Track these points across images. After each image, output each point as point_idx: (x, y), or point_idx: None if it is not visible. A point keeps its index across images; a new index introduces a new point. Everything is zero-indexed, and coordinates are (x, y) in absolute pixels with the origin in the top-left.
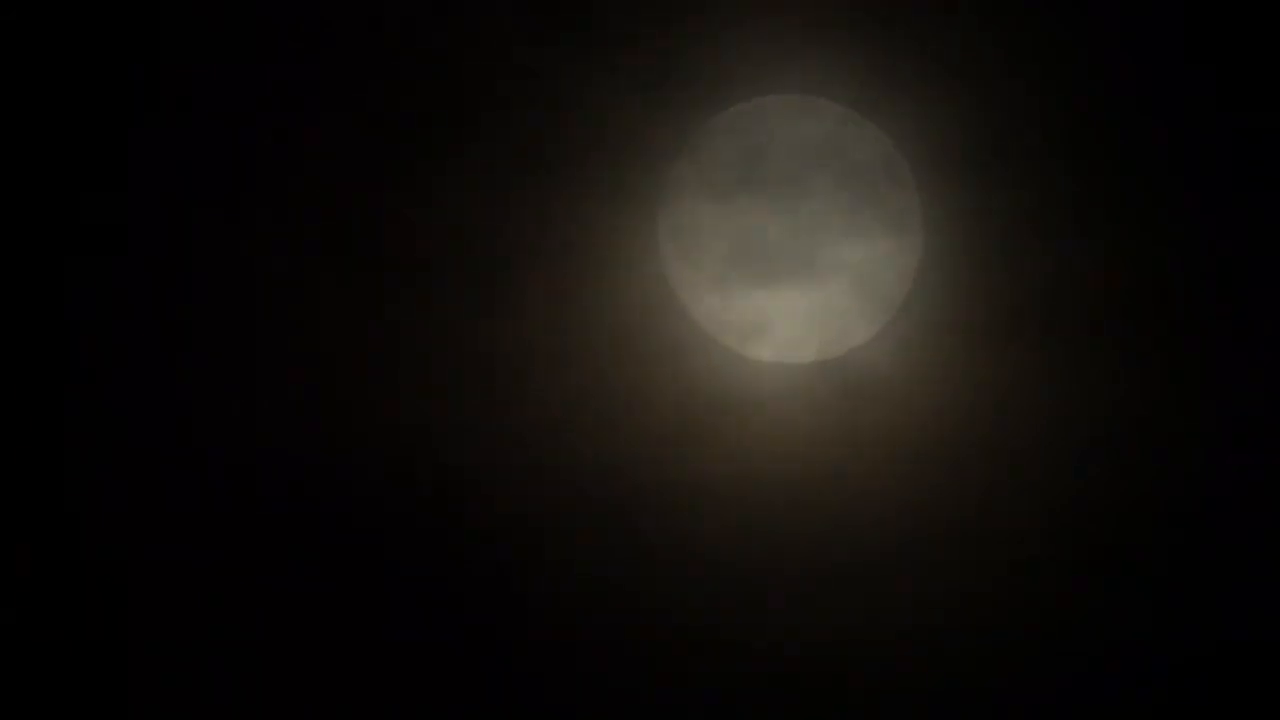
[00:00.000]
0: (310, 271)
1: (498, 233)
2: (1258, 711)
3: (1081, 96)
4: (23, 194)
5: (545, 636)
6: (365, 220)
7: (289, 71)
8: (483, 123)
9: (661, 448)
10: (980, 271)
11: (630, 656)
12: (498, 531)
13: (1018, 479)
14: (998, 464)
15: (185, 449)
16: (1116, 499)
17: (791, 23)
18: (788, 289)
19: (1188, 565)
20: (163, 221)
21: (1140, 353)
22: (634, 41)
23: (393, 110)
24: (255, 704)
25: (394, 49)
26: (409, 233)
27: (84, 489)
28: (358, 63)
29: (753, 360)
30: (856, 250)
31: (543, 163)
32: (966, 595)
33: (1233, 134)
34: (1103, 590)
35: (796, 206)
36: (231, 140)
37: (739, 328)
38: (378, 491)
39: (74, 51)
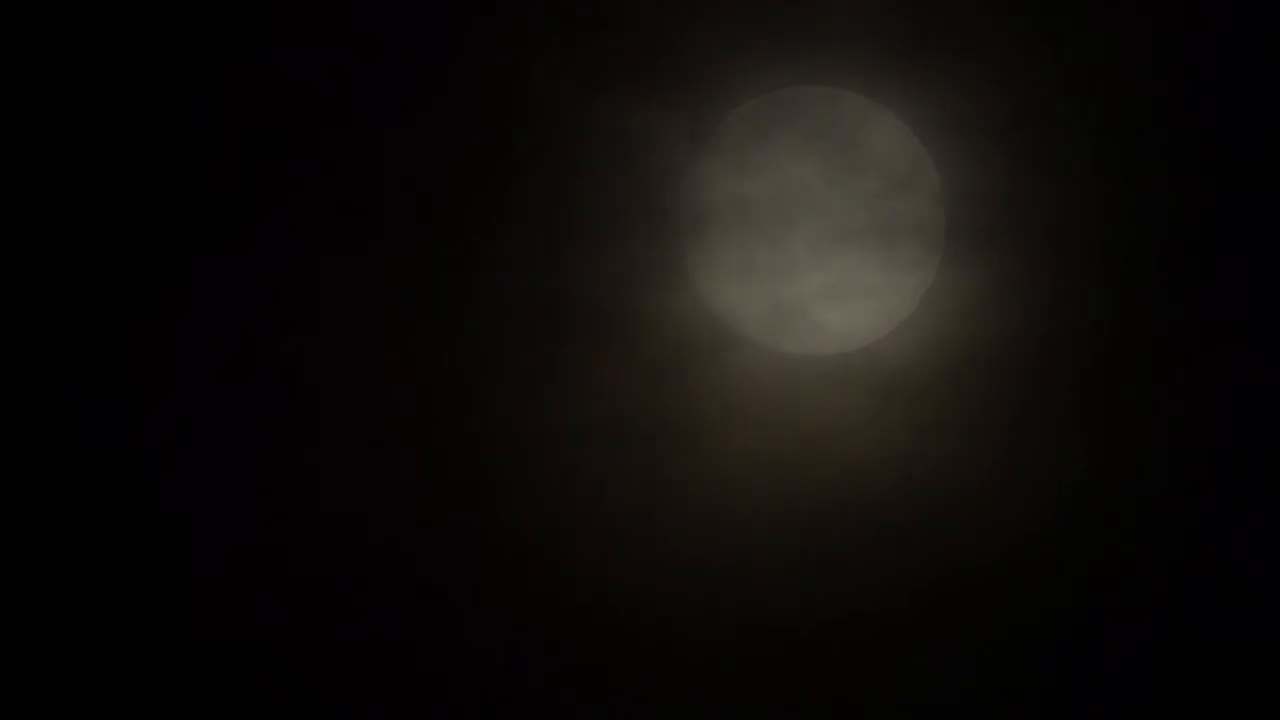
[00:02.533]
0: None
1: (515, 228)
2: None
3: (1111, 88)
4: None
5: (569, 640)
6: (385, 219)
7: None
8: (496, 120)
9: (682, 439)
10: (1004, 263)
11: (654, 659)
12: (515, 538)
13: (1039, 473)
14: (1019, 457)
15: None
16: (1132, 493)
17: (814, 13)
18: (809, 281)
19: (1200, 565)
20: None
21: (1168, 350)
22: (652, 34)
23: (416, 119)
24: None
25: (418, 74)
26: (431, 232)
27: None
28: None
29: (773, 352)
30: (878, 244)
31: (560, 159)
32: (984, 588)
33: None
34: (1119, 584)
35: (818, 199)
36: (260, 172)
37: (759, 320)
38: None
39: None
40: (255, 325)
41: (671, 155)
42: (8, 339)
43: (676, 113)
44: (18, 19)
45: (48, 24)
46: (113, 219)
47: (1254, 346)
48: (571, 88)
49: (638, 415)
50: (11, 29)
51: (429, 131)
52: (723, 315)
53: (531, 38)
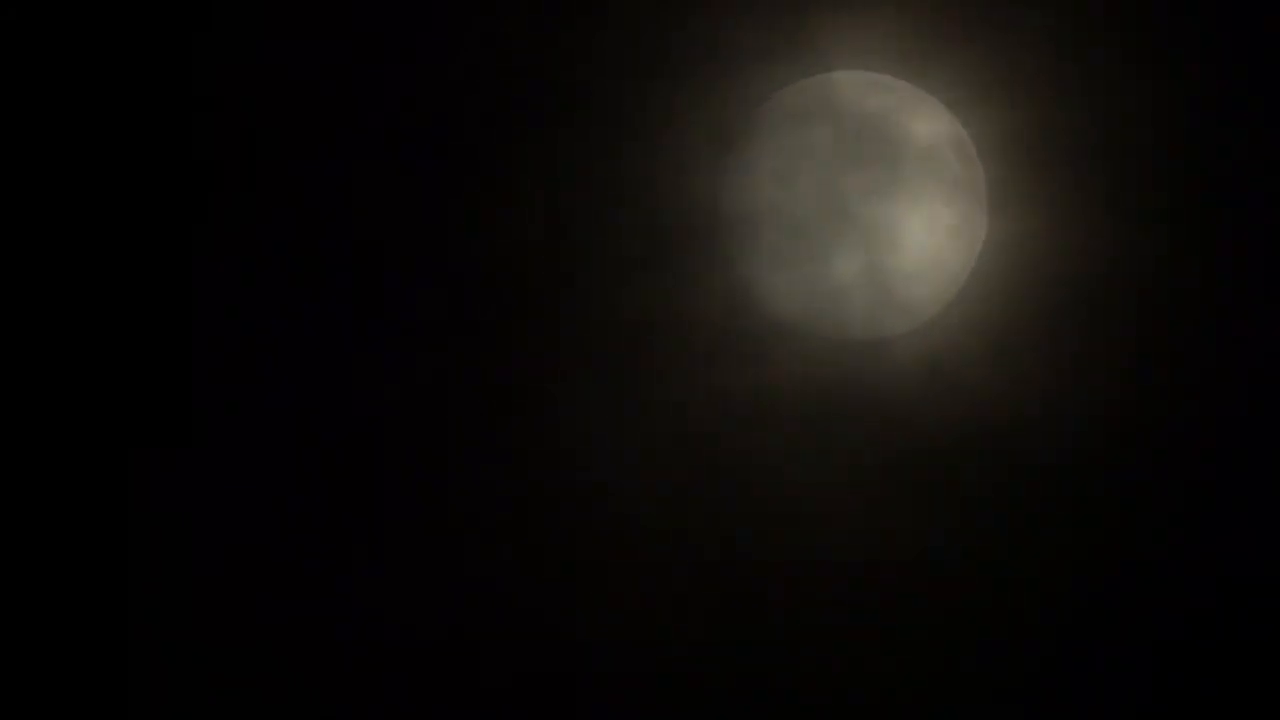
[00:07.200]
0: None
1: (553, 216)
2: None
3: (1151, 78)
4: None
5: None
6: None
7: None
8: (543, 103)
9: (725, 427)
10: (1044, 251)
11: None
12: (527, 539)
13: (1081, 457)
14: (1059, 443)
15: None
16: (1171, 474)
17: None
18: (850, 266)
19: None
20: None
21: (1201, 334)
22: (696, 16)
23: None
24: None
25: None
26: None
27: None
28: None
29: (815, 338)
30: (921, 228)
31: (604, 142)
32: (1030, 576)
33: None
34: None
35: (860, 183)
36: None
37: (801, 305)
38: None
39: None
40: (255, 324)
41: (707, 145)
42: (9, 340)
43: (711, 102)
44: (18, 19)
45: (48, 24)
46: (112, 219)
47: None
48: (597, 78)
49: (687, 404)
50: (12, 29)
51: (434, 127)
52: (766, 303)
53: (548, 31)
